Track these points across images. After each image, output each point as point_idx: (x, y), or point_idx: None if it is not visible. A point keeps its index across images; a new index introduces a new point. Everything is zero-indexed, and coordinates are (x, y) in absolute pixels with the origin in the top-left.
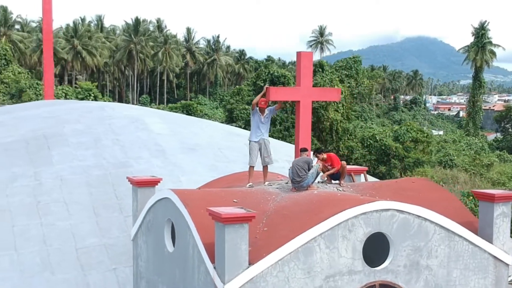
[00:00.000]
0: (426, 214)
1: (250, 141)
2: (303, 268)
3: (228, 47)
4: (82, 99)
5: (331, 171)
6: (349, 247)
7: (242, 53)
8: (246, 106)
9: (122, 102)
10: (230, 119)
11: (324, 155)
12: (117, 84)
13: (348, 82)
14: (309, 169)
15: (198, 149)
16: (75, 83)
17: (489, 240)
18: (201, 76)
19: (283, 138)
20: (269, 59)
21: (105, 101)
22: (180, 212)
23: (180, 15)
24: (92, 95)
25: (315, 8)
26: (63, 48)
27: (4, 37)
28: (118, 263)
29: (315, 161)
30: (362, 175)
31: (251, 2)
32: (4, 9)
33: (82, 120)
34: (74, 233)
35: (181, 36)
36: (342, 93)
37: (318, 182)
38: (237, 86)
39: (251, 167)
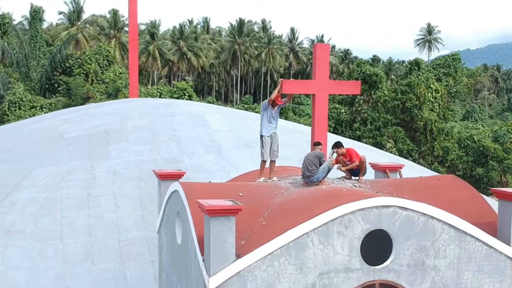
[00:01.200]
0: (433, 212)
1: (262, 136)
2: (294, 264)
3: (334, 46)
4: (177, 98)
5: (350, 166)
6: (345, 243)
7: (347, 52)
8: (337, 105)
9: (227, 102)
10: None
11: (343, 149)
12: (223, 84)
13: (446, 81)
14: (320, 164)
15: (254, 146)
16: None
17: (507, 241)
18: (305, 75)
19: (374, 138)
20: (375, 58)
21: (210, 101)
22: (184, 205)
23: (285, 16)
24: (187, 94)
25: (430, 4)
26: (169, 49)
27: (114, 39)
28: (156, 255)
29: (334, 155)
30: (397, 172)
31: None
32: (115, 13)
33: (145, 117)
34: (119, 225)
35: (285, 37)
36: (438, 91)
37: (337, 178)
38: None
39: (263, 162)
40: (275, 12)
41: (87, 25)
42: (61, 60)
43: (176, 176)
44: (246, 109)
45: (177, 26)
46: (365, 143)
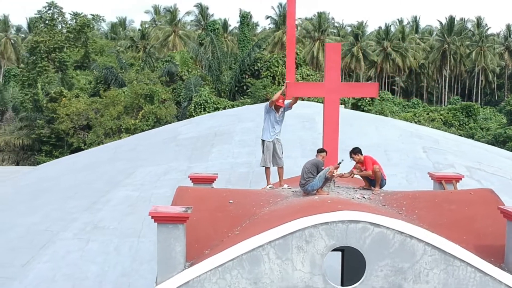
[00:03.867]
0: (411, 230)
1: (264, 140)
2: (248, 278)
3: None
4: (358, 100)
5: (361, 174)
6: (306, 260)
7: None
8: None
9: (439, 104)
10: (510, 122)
11: (361, 156)
12: (435, 85)
13: None
14: (318, 173)
15: None
16: (393, 85)
17: (510, 269)
18: None
19: None
20: None
21: (414, 103)
22: None
23: (503, 12)
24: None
25: None
26: (373, 50)
27: (318, 41)
28: None
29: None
30: (452, 183)
31: None
32: (319, 15)
33: (257, 119)
34: None
35: (501, 35)
36: None
37: (353, 187)
38: None
39: (267, 168)
40: (491, 8)
41: None
42: (250, 63)
43: (208, 180)
44: (449, 110)
45: (383, 27)
46: None
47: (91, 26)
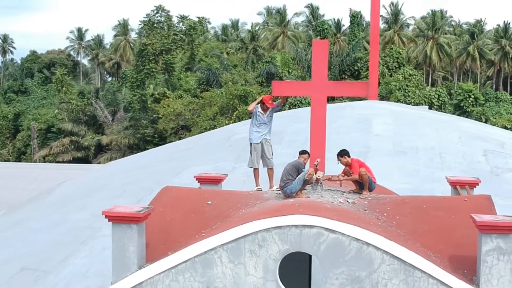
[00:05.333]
0: (368, 237)
1: (251, 143)
2: (201, 281)
3: None
4: (461, 100)
5: (348, 178)
6: (259, 264)
7: None
8: None
9: None
10: None
11: (348, 159)
12: None
13: None
14: (298, 175)
15: (410, 152)
16: None
17: (477, 282)
18: None
19: None
20: None
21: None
22: None
23: None
24: (472, 96)
25: None
26: (490, 49)
27: (431, 40)
28: None
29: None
30: (465, 188)
31: None
32: (434, 13)
33: (308, 120)
34: None
35: None
36: None
37: (342, 191)
38: None
39: (255, 169)
40: None
41: (405, 28)
42: (349, 63)
43: (215, 181)
44: None
45: (502, 25)
46: None
47: (197, 28)
